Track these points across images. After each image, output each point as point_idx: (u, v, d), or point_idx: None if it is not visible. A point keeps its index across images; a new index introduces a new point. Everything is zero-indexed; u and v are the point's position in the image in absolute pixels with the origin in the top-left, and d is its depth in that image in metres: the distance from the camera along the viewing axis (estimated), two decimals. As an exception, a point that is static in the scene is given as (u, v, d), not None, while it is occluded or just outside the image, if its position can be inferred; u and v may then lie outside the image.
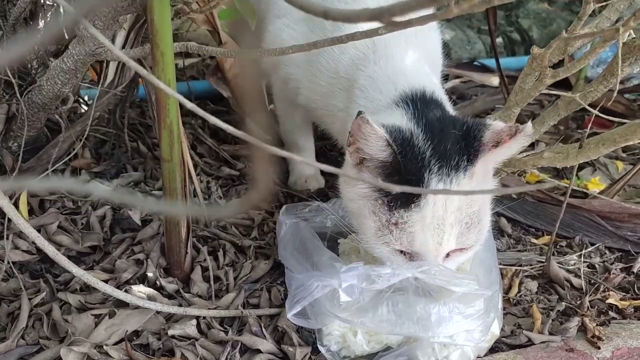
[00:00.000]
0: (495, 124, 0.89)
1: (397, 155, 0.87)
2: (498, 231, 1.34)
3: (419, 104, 0.95)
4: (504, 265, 1.21)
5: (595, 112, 1.06)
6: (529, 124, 0.85)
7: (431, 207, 0.87)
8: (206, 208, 1.25)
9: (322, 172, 1.54)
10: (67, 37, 1.43)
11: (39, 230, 1.15)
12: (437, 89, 1.02)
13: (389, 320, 0.87)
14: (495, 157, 0.91)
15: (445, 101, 1.03)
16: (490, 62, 2.10)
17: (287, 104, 1.38)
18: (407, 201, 0.88)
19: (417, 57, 1.06)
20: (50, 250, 0.90)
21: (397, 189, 0.56)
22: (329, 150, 1.68)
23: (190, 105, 0.63)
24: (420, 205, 0.88)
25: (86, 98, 1.52)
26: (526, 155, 1.08)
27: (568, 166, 1.10)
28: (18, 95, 1.17)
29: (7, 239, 1.11)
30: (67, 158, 1.21)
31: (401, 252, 0.92)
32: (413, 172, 0.89)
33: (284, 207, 1.15)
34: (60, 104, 1.28)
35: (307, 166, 1.52)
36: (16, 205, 1.17)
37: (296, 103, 1.30)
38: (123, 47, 1.24)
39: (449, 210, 0.88)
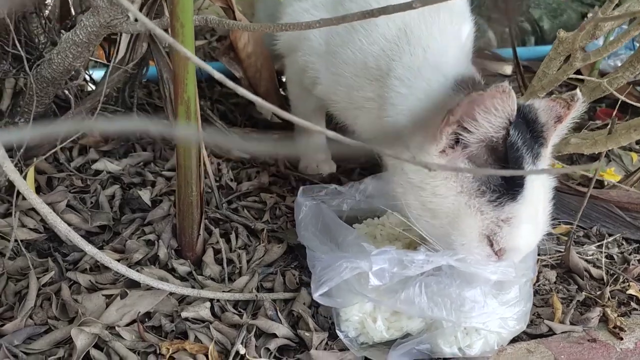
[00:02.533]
0: (537, 102, 0.86)
1: (507, 140, 0.81)
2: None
3: None
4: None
5: (622, 97, 1.04)
6: (577, 90, 0.82)
7: (533, 198, 0.84)
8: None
9: (333, 158, 1.51)
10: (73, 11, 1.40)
11: (46, 209, 1.12)
12: (480, 78, 0.98)
13: (419, 303, 0.84)
14: (559, 132, 0.88)
15: None
16: (502, 52, 2.07)
17: (301, 89, 1.34)
18: (515, 194, 0.83)
19: (454, 47, 1.02)
20: (63, 227, 0.86)
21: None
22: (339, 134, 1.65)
23: (218, 75, 0.60)
24: (525, 196, 0.84)
25: (94, 77, 1.49)
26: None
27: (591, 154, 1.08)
28: (27, 68, 1.14)
29: (14, 216, 1.08)
30: (76, 136, 1.17)
31: (495, 254, 0.87)
32: (514, 160, 0.83)
33: (301, 188, 1.12)
34: (69, 80, 1.25)
35: (318, 151, 1.49)
36: (24, 181, 1.14)
37: (311, 92, 1.25)
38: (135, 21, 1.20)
39: (541, 200, 0.85)
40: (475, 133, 0.83)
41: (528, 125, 0.87)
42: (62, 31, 1.18)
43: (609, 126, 1.00)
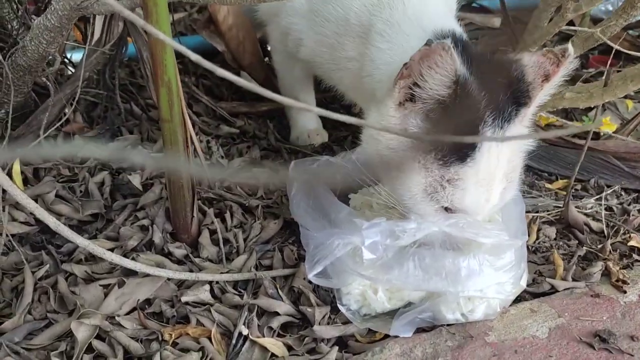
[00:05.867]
0: (526, 58, 0.83)
1: (456, 98, 0.80)
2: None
3: (459, 45, 0.86)
4: (520, 212, 1.18)
5: (616, 46, 1.01)
6: (568, 44, 0.79)
7: (485, 161, 0.82)
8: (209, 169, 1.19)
9: (325, 126, 1.49)
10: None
11: (35, 201, 1.09)
12: (462, 31, 0.95)
13: (415, 276, 0.83)
14: (546, 91, 0.85)
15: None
16: (489, 3, 2.02)
17: (286, 56, 1.31)
18: (464, 155, 0.82)
19: (435, 1, 0.99)
20: (51, 221, 0.84)
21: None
22: (329, 102, 1.62)
23: (195, 57, 0.57)
24: (476, 159, 0.81)
25: (73, 59, 1.44)
26: (545, 97, 1.02)
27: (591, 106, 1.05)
28: (1, 58, 1.09)
29: (4, 210, 1.06)
30: (59, 123, 1.14)
31: (444, 209, 0.86)
32: (468, 121, 0.81)
33: (292, 162, 1.09)
34: (47, 66, 1.21)
35: (309, 121, 1.47)
36: (10, 175, 1.11)
37: (297, 57, 1.22)
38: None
39: (500, 164, 0.82)
40: (424, 89, 0.81)
41: (511, 84, 0.84)
42: (34, 16, 1.14)
43: (604, 77, 0.97)
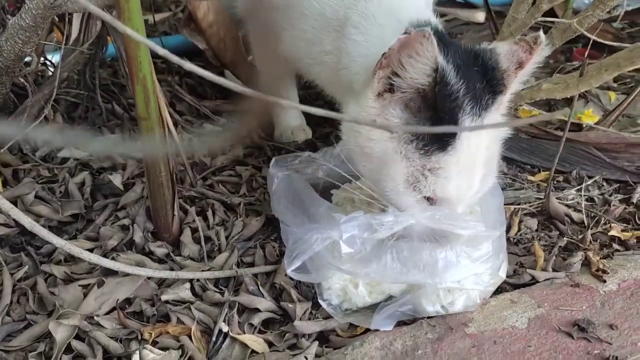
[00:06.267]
0: (500, 46, 0.83)
1: (435, 87, 0.79)
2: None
3: (435, 35, 0.85)
4: (502, 204, 1.18)
5: (593, 37, 1.01)
6: (540, 32, 0.79)
7: (466, 149, 0.82)
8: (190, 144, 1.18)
9: (309, 123, 1.48)
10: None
11: (15, 203, 1.09)
12: (438, 22, 0.95)
13: (393, 269, 0.83)
14: (520, 79, 0.85)
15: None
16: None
17: (266, 53, 1.30)
18: (444, 144, 0.82)
19: None
20: (26, 221, 0.84)
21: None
22: (313, 99, 1.62)
23: (162, 51, 0.57)
24: (456, 148, 0.82)
25: (53, 60, 1.43)
26: (522, 89, 1.02)
27: (567, 97, 1.05)
28: (-23, 59, 1.09)
29: (-18, 213, 1.05)
30: (37, 122, 1.13)
31: (426, 199, 0.86)
32: (447, 110, 0.81)
33: (273, 159, 1.09)
34: (25, 66, 1.20)
35: (293, 118, 1.46)
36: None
37: (276, 53, 1.22)
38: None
39: (480, 152, 0.82)
40: (404, 78, 0.81)
41: (486, 73, 0.84)
42: (9, 16, 1.13)
43: (580, 69, 0.97)
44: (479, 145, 0.83)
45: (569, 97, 0.99)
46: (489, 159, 0.86)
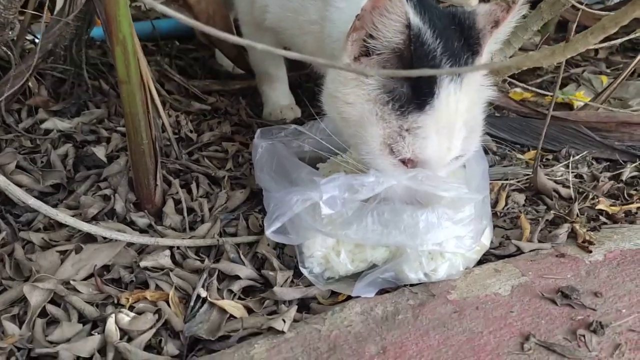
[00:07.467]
0: (481, 7, 0.82)
1: (410, 45, 0.78)
2: (482, 149, 1.29)
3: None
4: (489, 180, 1.17)
5: (582, 7, 1.00)
6: None
7: (444, 109, 0.80)
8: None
9: (298, 103, 1.47)
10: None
11: (-5, 171, 1.08)
12: None
13: (374, 231, 0.82)
14: (496, 37, 0.85)
15: None
16: (468, -15, 2.01)
17: (255, 28, 1.30)
18: (421, 104, 0.80)
19: None
20: (0, 179, 0.82)
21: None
22: (304, 81, 1.61)
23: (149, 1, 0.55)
24: (434, 107, 0.80)
25: (39, 36, 1.42)
26: (510, 56, 1.01)
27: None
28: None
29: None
30: (19, 93, 1.12)
31: (403, 162, 0.84)
32: (425, 69, 0.79)
33: (258, 130, 1.08)
34: (11, 40, 1.18)
35: (282, 96, 1.45)
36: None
37: (264, 26, 1.22)
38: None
39: (459, 112, 0.81)
40: (378, 39, 0.80)
41: (463, 33, 0.83)
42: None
43: (566, 35, 0.96)
44: (458, 106, 0.81)
45: (556, 64, 0.98)
46: (471, 121, 0.84)
